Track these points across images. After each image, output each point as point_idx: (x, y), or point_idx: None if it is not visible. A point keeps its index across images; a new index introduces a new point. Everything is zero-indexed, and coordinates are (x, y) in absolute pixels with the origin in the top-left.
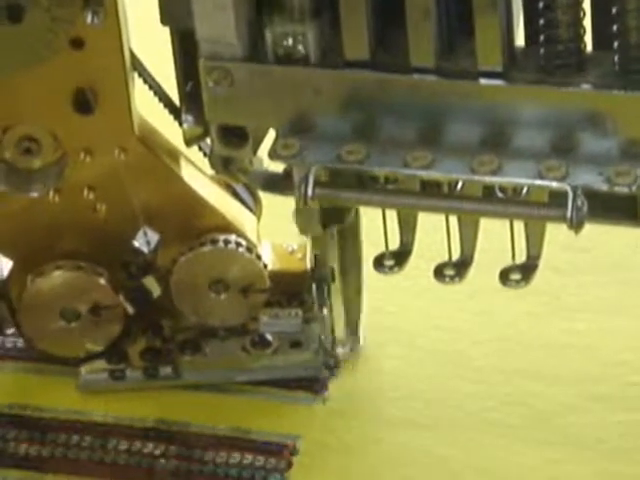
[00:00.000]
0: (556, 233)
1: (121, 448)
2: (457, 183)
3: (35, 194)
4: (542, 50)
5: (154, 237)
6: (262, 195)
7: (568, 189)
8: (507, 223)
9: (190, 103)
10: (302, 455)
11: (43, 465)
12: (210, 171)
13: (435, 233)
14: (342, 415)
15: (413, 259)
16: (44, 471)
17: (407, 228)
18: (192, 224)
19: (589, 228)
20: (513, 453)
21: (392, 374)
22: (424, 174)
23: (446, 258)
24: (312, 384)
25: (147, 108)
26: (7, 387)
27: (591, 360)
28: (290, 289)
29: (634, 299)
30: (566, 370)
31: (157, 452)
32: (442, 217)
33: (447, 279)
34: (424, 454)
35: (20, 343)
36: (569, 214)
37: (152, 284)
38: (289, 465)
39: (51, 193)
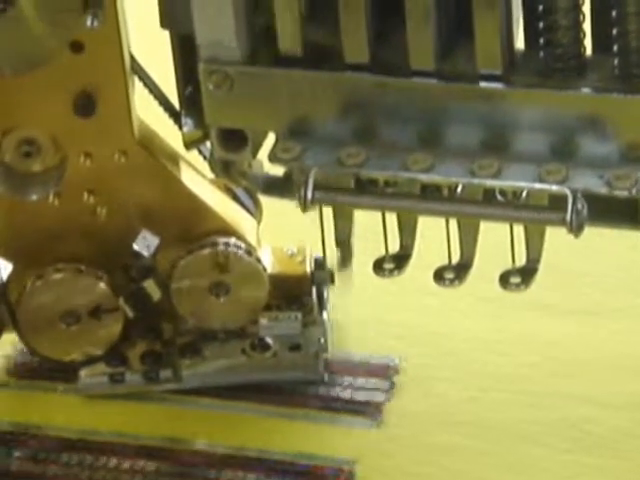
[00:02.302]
0: (612, 252)
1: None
2: (457, 186)
3: (35, 197)
4: (542, 53)
5: (154, 240)
6: (262, 198)
7: (568, 192)
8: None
9: (190, 106)
10: None
11: None
12: (210, 174)
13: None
14: (398, 440)
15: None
16: None
17: (407, 231)
18: (192, 227)
19: None
20: (568, 478)
21: (444, 398)
22: (424, 177)
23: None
24: (367, 408)
25: (147, 112)
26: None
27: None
28: (290, 292)
29: None
30: (617, 393)
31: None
32: (442, 221)
33: (447, 282)
34: (480, 479)
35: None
36: (569, 217)
37: (152, 287)
38: None
39: (51, 196)
